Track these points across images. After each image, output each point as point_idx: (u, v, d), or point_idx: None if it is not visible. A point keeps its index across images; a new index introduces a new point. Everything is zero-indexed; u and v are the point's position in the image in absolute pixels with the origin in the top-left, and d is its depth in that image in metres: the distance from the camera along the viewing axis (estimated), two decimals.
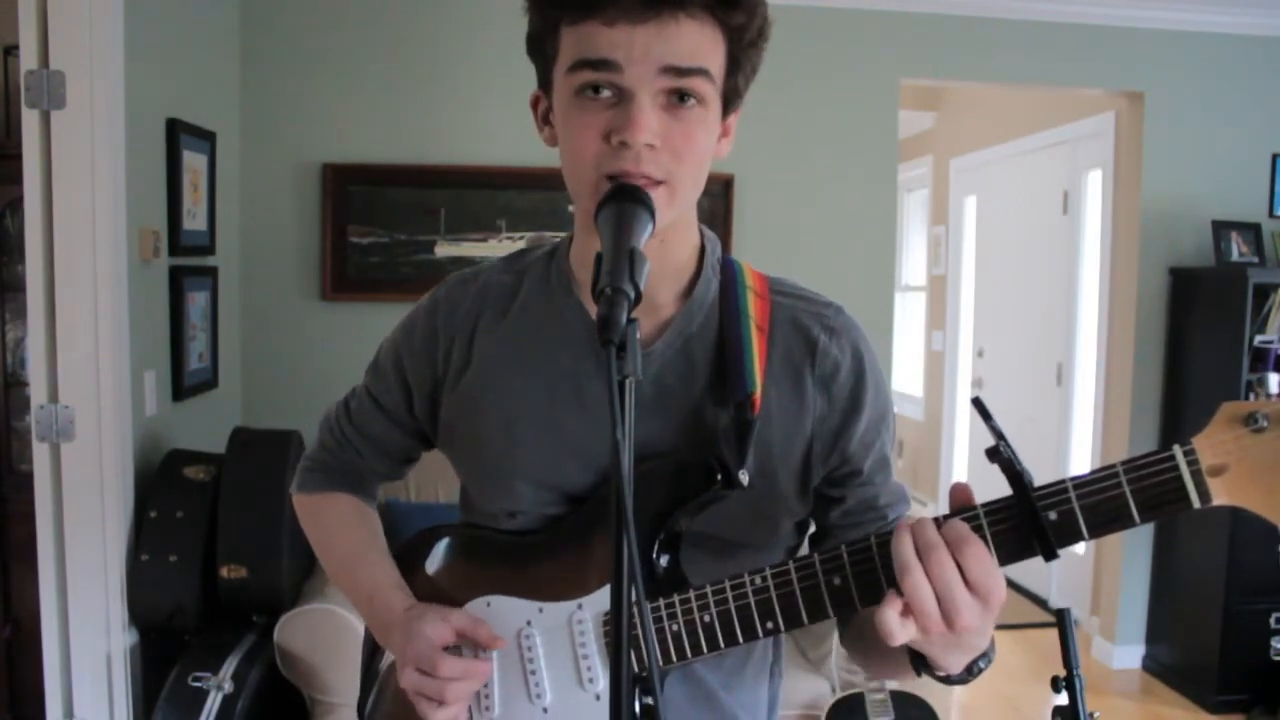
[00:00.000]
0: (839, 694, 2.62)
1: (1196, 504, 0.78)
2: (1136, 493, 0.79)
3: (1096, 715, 1.12)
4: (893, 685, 2.54)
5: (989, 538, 0.82)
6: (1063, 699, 1.12)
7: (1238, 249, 3.81)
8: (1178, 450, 0.79)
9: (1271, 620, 3.61)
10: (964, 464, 5.81)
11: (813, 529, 1.06)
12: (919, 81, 3.95)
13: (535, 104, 0.98)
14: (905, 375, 6.55)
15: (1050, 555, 0.82)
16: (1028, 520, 0.81)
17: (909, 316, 6.66)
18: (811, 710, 2.66)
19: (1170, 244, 3.90)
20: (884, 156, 3.75)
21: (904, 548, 0.79)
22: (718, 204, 3.58)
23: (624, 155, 0.86)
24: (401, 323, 1.13)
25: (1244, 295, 3.55)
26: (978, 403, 0.86)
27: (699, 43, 0.87)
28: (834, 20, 3.64)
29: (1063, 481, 0.82)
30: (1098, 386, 4.37)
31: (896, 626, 0.79)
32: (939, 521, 0.81)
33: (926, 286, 6.40)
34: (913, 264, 6.79)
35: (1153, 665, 4.03)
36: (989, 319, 5.59)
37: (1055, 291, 4.87)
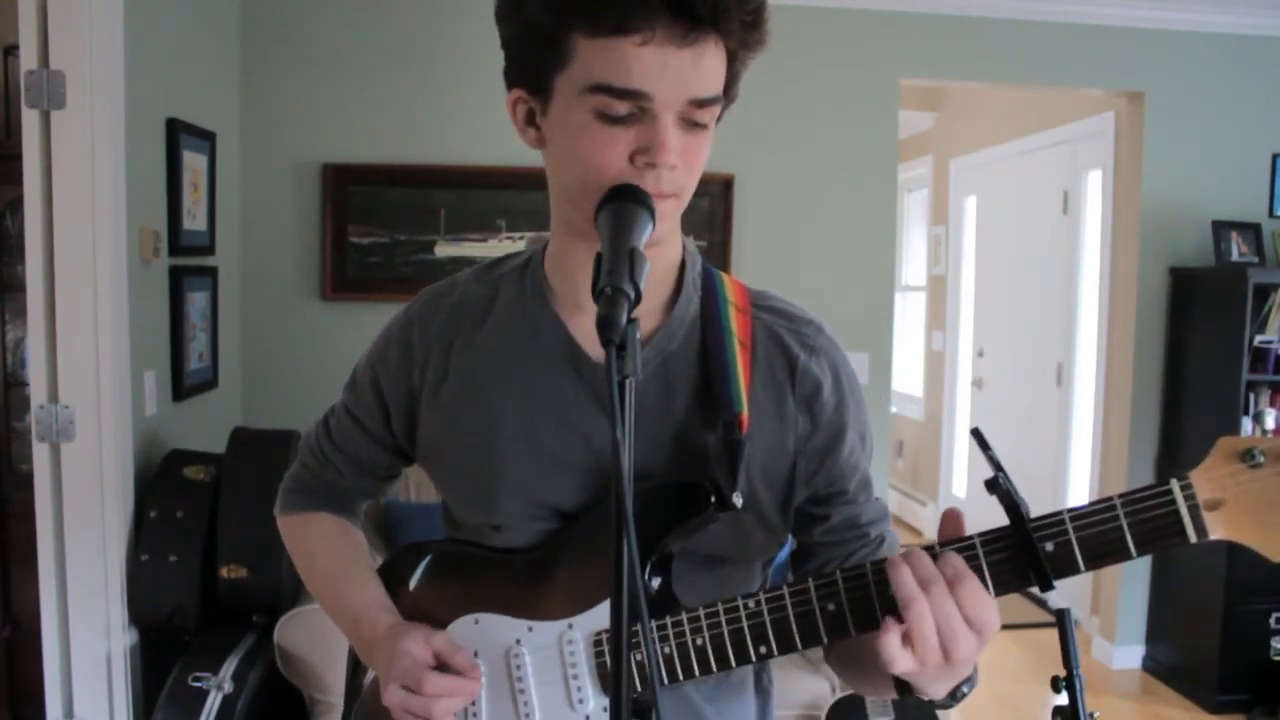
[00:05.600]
0: (839, 694, 2.62)
1: (1193, 538, 0.79)
2: (1133, 526, 0.80)
3: (1096, 715, 1.12)
4: None
5: (985, 567, 0.82)
6: (1063, 699, 1.12)
7: (1238, 249, 3.81)
8: (1175, 485, 0.79)
9: (1271, 620, 3.61)
10: (964, 464, 5.81)
11: (793, 547, 1.05)
12: (919, 81, 3.95)
13: (514, 106, 0.93)
14: (905, 375, 6.55)
15: (1046, 586, 0.82)
16: (1024, 551, 0.81)
17: (909, 316, 6.66)
18: (811, 710, 2.66)
19: (1170, 244, 3.90)
20: (884, 156, 3.74)
21: (906, 580, 0.79)
22: (717, 204, 3.57)
23: (647, 176, 0.86)
24: (376, 340, 1.11)
25: (1244, 295, 3.55)
26: (977, 433, 0.86)
27: (716, 66, 0.86)
28: (834, 20, 3.64)
29: (1059, 513, 0.82)
30: (1098, 386, 4.37)
31: (898, 653, 0.79)
32: (933, 554, 0.81)
33: (926, 286, 6.40)
34: (913, 264, 6.80)
35: (1153, 665, 4.03)
36: (989, 319, 5.59)
37: (1055, 291, 4.87)
